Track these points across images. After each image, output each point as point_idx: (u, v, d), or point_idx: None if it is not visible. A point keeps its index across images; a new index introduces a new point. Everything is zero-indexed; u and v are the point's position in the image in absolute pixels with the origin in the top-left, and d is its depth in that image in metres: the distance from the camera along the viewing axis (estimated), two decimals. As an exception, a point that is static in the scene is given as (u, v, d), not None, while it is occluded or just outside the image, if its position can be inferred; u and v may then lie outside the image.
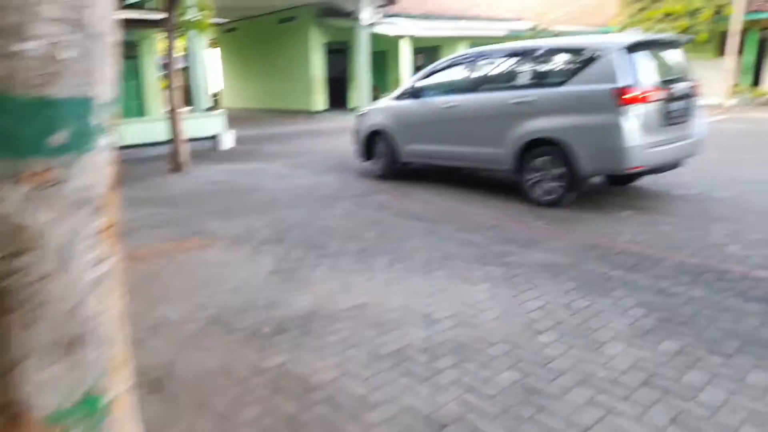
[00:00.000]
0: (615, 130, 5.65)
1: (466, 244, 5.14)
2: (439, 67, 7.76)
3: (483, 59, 7.17)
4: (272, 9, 20.50)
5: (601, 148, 5.83)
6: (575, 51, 6.16)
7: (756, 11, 17.43)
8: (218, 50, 26.72)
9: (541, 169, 6.29)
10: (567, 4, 25.63)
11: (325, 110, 20.37)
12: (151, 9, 11.71)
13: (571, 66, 6.15)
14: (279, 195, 7.66)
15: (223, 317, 3.71)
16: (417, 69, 19.35)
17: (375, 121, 8.39)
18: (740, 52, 19.66)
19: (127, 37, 13.56)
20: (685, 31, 16.96)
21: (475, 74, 7.16)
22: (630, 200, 6.56)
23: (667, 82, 5.97)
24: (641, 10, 17.74)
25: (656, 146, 5.82)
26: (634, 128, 5.64)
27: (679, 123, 6.11)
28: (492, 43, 7.75)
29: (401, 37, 16.83)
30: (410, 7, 21.22)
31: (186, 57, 14.03)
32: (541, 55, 6.48)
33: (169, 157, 9.55)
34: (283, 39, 21.12)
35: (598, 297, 3.81)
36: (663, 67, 6.19)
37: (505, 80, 6.78)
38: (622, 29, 18.58)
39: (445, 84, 7.60)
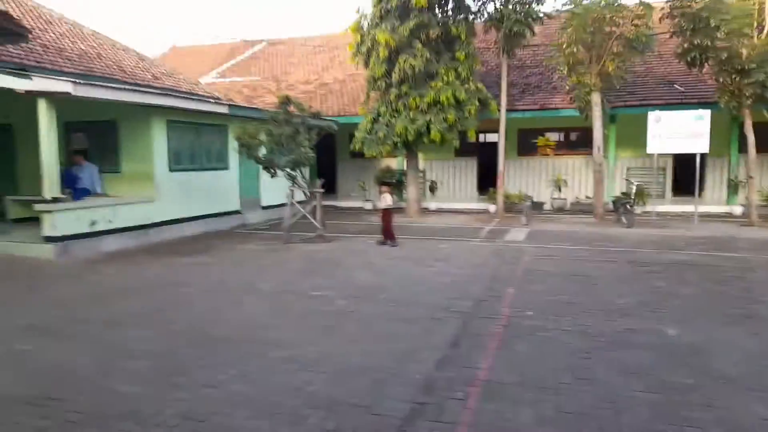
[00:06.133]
0: None
1: None
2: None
3: None
4: None
5: None
6: None
7: (512, 110, 15.59)
8: None
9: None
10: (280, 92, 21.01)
11: None
12: None
13: None
14: None
15: None
16: (73, 154, 11.35)
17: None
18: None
19: None
20: (453, 125, 13.81)
21: None
22: None
23: None
24: (400, 96, 13.98)
25: None
26: None
27: None
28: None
29: (40, 96, 8.88)
30: (59, 61, 13.06)
31: None
32: None
33: None
34: None
35: None
36: None
37: None
38: (372, 118, 14.53)
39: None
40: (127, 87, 10.55)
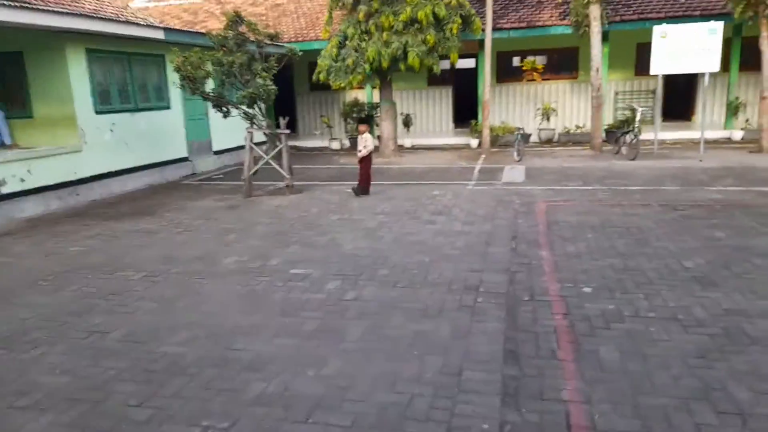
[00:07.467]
0: None
1: None
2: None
3: None
4: None
5: None
6: None
7: (496, 29, 13.69)
8: None
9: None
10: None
11: None
12: None
13: None
14: None
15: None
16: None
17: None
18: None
19: None
20: (433, 48, 11.92)
21: None
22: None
23: None
24: (370, 14, 11.89)
25: None
26: None
27: None
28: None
29: None
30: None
31: None
32: None
33: None
34: None
35: None
36: None
37: None
38: (338, 42, 12.44)
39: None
40: (31, 5, 8.17)
